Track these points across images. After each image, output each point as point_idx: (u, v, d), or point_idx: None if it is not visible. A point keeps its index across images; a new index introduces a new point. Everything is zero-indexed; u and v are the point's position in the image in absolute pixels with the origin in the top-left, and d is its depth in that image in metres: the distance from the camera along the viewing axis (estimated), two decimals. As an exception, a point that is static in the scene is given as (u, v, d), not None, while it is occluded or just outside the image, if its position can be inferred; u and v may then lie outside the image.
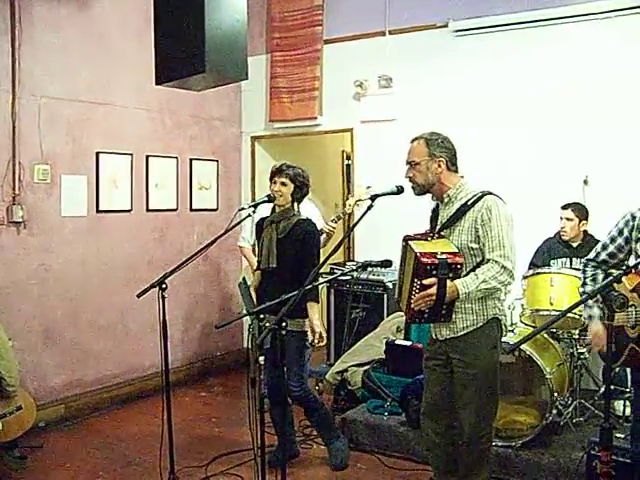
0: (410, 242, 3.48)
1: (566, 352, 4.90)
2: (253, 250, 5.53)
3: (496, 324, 3.55)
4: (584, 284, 3.54)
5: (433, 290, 3.31)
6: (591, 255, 3.56)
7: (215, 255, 7.12)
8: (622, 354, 3.28)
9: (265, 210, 4.80)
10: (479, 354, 3.49)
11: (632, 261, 3.34)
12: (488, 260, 3.41)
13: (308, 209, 5.42)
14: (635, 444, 3.39)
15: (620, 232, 3.40)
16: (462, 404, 3.54)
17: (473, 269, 3.44)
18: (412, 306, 3.39)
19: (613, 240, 3.43)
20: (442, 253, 3.35)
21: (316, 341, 4.47)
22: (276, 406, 4.58)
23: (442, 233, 3.54)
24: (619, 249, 3.41)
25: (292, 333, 4.39)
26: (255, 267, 4.86)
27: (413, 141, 3.59)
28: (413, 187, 3.59)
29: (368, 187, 5.92)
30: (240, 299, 5.98)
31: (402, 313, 5.65)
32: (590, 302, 3.44)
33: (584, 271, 3.57)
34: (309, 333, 4.49)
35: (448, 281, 3.32)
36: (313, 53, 6.92)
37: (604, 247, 3.49)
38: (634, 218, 3.33)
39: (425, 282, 3.32)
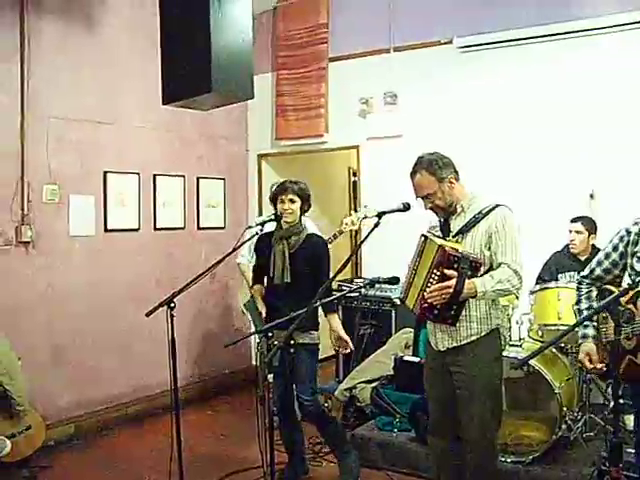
0: (431, 237, 3.51)
1: (575, 366, 4.86)
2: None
3: (497, 335, 3.57)
4: (579, 302, 3.52)
5: (452, 282, 3.29)
6: (585, 272, 3.52)
7: (223, 273, 7.11)
8: (619, 367, 3.28)
9: (268, 227, 4.80)
10: (482, 366, 3.49)
11: (627, 277, 3.33)
12: (499, 264, 3.44)
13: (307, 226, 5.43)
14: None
15: (615, 248, 3.37)
16: (467, 419, 3.53)
17: (483, 275, 3.44)
18: (426, 297, 3.36)
19: (608, 256, 3.40)
20: (463, 251, 3.40)
21: (346, 350, 4.56)
22: (286, 424, 4.57)
23: (456, 239, 3.55)
24: (614, 265, 3.38)
25: (305, 346, 4.41)
26: (251, 284, 4.86)
27: (414, 175, 3.57)
28: (437, 213, 3.63)
29: (365, 206, 5.95)
30: (249, 317, 5.99)
31: (410, 330, 5.71)
32: (586, 322, 3.44)
33: (579, 288, 3.55)
34: (335, 343, 4.54)
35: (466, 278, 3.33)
36: (319, 71, 6.96)
37: (599, 263, 3.45)
38: (629, 233, 3.31)
39: (447, 272, 3.30)
